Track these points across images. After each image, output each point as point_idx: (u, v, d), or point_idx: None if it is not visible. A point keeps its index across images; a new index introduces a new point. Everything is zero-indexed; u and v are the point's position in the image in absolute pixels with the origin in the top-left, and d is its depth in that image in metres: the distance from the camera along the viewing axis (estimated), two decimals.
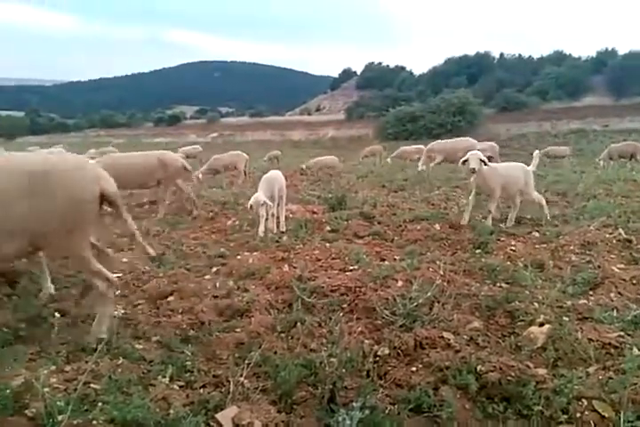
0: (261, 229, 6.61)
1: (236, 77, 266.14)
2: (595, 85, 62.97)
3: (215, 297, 4.32)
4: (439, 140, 14.63)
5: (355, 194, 10.41)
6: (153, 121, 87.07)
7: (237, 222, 7.60)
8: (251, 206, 6.52)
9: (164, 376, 2.89)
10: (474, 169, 6.45)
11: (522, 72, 70.98)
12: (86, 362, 2.99)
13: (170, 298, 4.37)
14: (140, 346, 3.47)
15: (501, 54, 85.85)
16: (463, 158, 6.79)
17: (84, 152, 16.89)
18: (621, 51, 70.13)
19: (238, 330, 3.66)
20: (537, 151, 7.53)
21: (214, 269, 5.34)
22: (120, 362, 3.07)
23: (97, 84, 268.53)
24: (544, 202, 7.13)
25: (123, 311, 4.12)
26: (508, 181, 6.87)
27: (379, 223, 7.42)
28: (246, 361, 3.01)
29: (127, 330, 3.81)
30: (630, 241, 5.78)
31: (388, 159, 18.82)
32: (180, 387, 2.89)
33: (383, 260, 5.59)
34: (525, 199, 7.28)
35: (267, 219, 6.71)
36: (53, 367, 2.95)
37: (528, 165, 7.24)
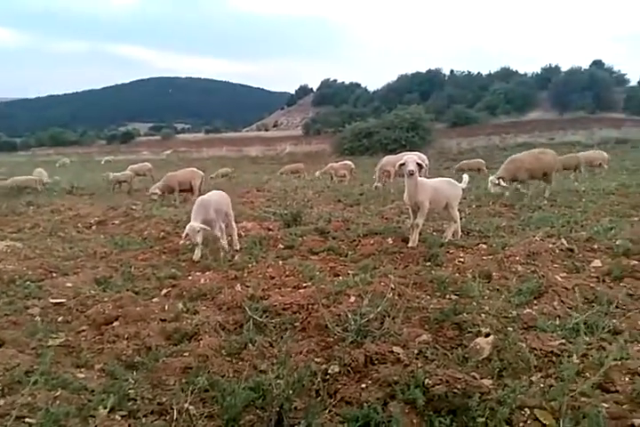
0: (197, 253, 6.54)
1: (191, 93, 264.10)
2: (540, 101, 66.20)
3: (163, 321, 4.21)
4: (390, 156, 14.84)
5: (310, 209, 10.44)
6: (106, 138, 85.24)
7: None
8: (186, 235, 6.36)
9: (105, 406, 2.77)
10: (411, 171, 6.41)
11: (471, 88, 73.95)
12: (22, 395, 2.84)
13: (115, 323, 4.23)
14: (82, 375, 3.35)
15: (451, 71, 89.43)
16: (400, 162, 6.69)
17: None
18: (564, 67, 74.13)
19: (186, 354, 3.56)
20: (466, 175, 7.66)
21: (164, 291, 5.21)
22: (58, 393, 2.94)
23: (46, 102, 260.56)
24: (458, 220, 7.14)
25: (64, 339, 3.95)
26: (437, 194, 6.87)
27: (333, 238, 7.44)
28: (192, 387, 2.93)
29: (68, 358, 3.66)
30: (572, 250, 6.01)
31: (317, 173, 19.07)
32: (123, 417, 2.78)
33: (337, 275, 5.61)
34: (446, 213, 7.23)
35: (204, 244, 6.61)
36: None
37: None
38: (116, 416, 2.76)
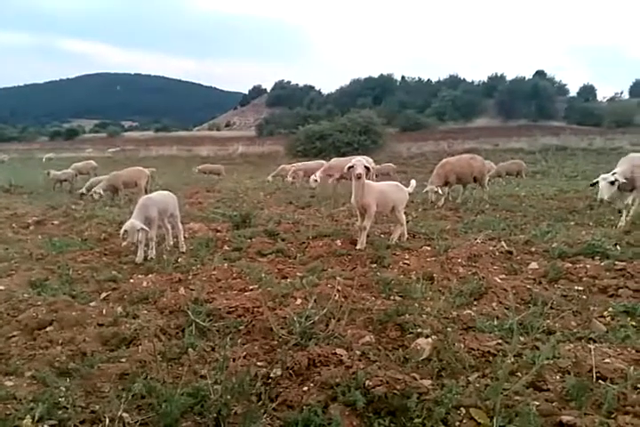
0: (140, 255, 6.35)
1: (140, 91, 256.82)
2: (486, 108, 68.58)
3: (100, 325, 4.05)
4: (337, 158, 14.95)
5: (261, 211, 10.37)
6: (48, 135, 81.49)
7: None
8: (125, 232, 6.16)
9: (33, 416, 2.63)
10: (359, 174, 6.51)
11: (421, 94, 75.61)
12: None
13: (49, 328, 4.03)
14: (11, 382, 3.17)
15: (403, 77, 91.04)
16: (348, 165, 6.77)
17: None
18: (509, 76, 76.97)
19: (123, 360, 3.44)
20: (413, 180, 7.86)
21: (103, 294, 5.02)
22: None
23: None
24: (405, 223, 7.30)
25: None
26: (384, 197, 6.99)
27: (282, 240, 7.41)
28: (128, 393, 2.83)
29: None
30: (511, 253, 6.26)
31: (269, 177, 18.84)
32: (51, 426, 2.64)
33: (285, 277, 5.59)
34: (393, 215, 7.35)
35: (146, 244, 6.43)
36: None
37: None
38: (45, 426, 2.62)
